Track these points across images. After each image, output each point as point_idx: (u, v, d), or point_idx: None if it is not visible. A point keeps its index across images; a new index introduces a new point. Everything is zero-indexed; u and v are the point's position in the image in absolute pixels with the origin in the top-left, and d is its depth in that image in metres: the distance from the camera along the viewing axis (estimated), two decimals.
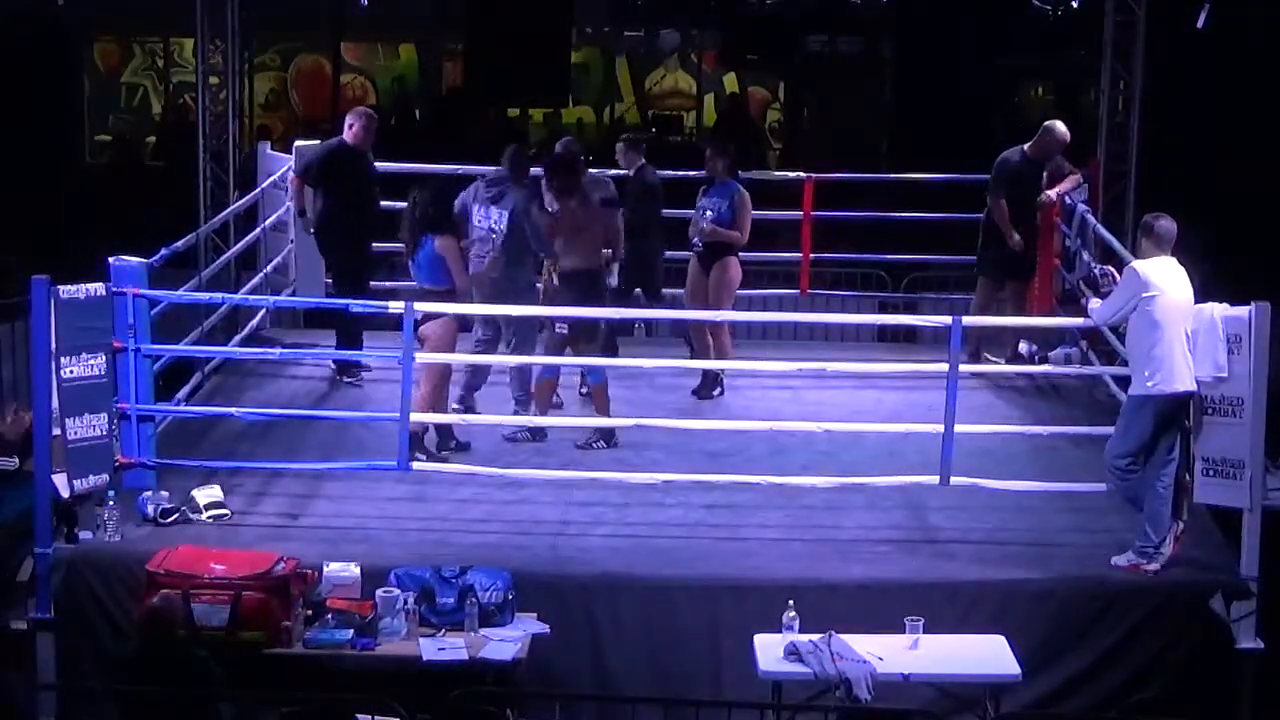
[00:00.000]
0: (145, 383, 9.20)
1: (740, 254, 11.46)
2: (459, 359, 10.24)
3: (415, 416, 9.40)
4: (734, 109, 21.74)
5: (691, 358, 11.61)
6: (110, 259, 9.20)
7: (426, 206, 10.07)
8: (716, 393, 11.43)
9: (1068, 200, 12.06)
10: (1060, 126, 11.99)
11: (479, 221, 10.67)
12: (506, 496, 9.55)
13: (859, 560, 8.85)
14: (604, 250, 10.82)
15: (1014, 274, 11.94)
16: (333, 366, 11.65)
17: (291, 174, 11.98)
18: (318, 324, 12.62)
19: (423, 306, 9.53)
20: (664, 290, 11.91)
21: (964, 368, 9.30)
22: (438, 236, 9.96)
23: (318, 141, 12.34)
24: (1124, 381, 9.27)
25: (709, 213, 11.30)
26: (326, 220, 11.54)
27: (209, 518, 9.15)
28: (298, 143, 12.75)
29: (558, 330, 10.09)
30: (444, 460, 9.92)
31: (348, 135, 11.62)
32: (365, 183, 11.63)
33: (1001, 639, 8.05)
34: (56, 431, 8.67)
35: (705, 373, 11.38)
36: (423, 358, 9.61)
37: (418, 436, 9.81)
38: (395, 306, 9.30)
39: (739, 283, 11.43)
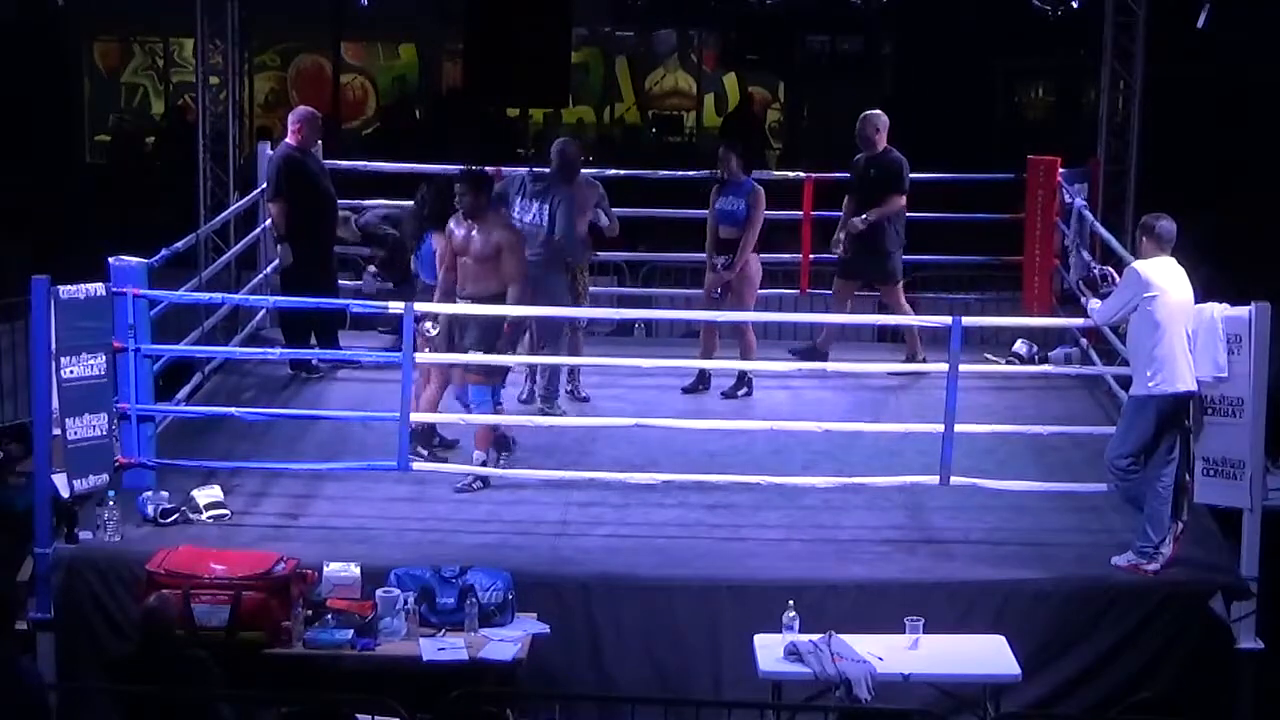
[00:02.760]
0: (145, 383, 9.20)
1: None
2: (458, 359, 10.22)
3: (415, 416, 9.39)
4: (741, 111, 21.69)
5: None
6: (110, 259, 9.20)
7: (433, 204, 10.07)
8: (742, 392, 11.42)
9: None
10: (868, 113, 12.02)
11: (518, 215, 10.59)
12: (506, 496, 9.55)
13: (859, 560, 8.85)
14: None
15: (857, 274, 11.97)
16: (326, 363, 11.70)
17: (271, 204, 11.71)
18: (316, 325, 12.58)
19: (421, 306, 9.55)
20: (680, 292, 11.90)
21: (964, 367, 9.29)
22: (436, 234, 9.97)
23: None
24: (1125, 381, 9.27)
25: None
26: (289, 227, 11.57)
27: (209, 518, 9.14)
28: (266, 149, 12.57)
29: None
30: (443, 460, 9.92)
31: (293, 138, 11.64)
32: (317, 183, 11.69)
33: (1001, 639, 8.05)
34: (56, 431, 8.68)
35: (704, 372, 11.39)
36: (422, 358, 9.59)
37: (423, 434, 9.86)
38: (395, 307, 9.30)
39: (759, 280, 11.40)
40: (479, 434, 9.76)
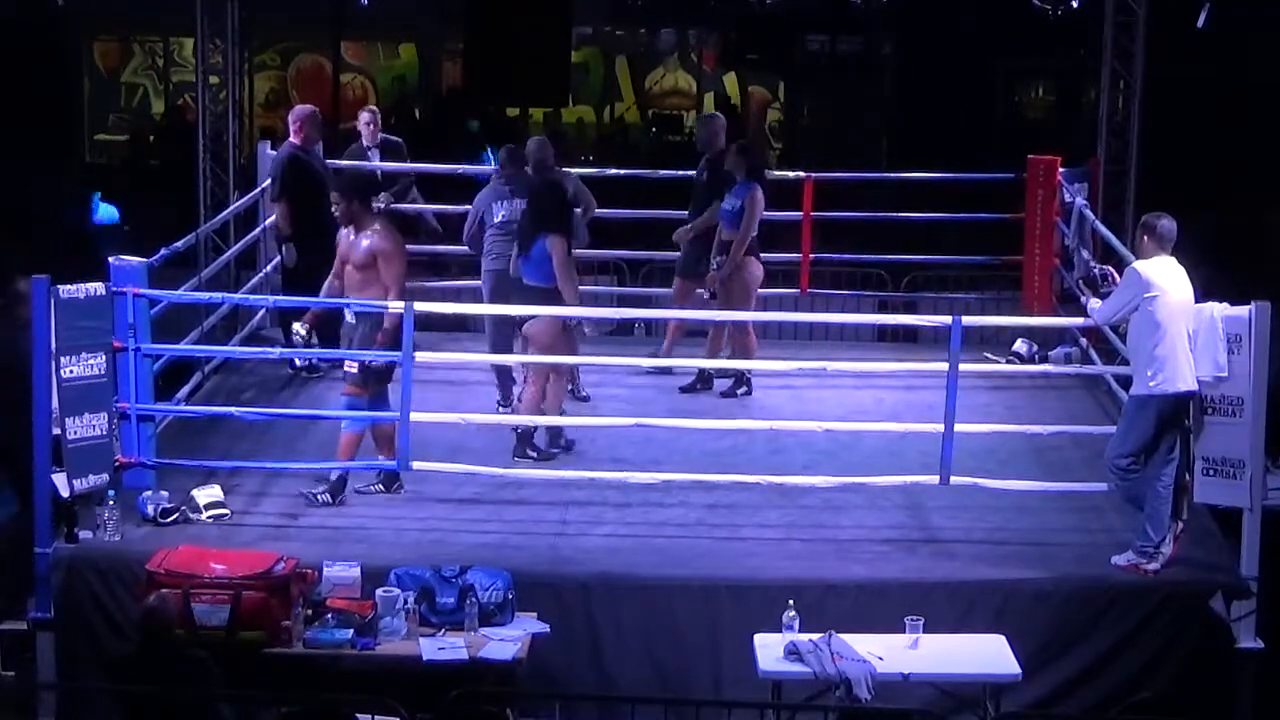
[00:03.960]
0: (145, 383, 9.20)
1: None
2: (466, 358, 10.25)
3: (415, 416, 9.36)
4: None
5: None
6: (110, 259, 9.21)
7: (545, 204, 10.14)
8: (742, 391, 11.44)
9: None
10: (708, 114, 12.00)
11: (501, 214, 10.72)
12: (506, 496, 9.55)
13: (859, 560, 8.85)
14: None
15: (693, 274, 11.72)
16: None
17: (277, 203, 11.71)
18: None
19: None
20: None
21: (964, 367, 9.29)
22: (549, 236, 9.99)
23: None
24: (1125, 381, 9.28)
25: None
26: (293, 226, 11.56)
27: (209, 518, 9.15)
28: (267, 149, 12.65)
29: (346, 369, 9.58)
30: (551, 457, 10.00)
31: (295, 137, 11.67)
32: (320, 181, 11.67)
33: (1001, 639, 8.05)
34: (56, 431, 8.68)
35: (703, 371, 11.41)
36: (422, 357, 9.56)
37: (528, 434, 9.97)
38: (395, 306, 9.29)
39: (759, 282, 11.41)
40: (342, 444, 9.53)
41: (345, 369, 9.55)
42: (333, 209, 9.71)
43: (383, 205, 12.55)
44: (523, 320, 10.06)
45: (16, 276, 9.64)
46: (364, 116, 13.03)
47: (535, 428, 10.05)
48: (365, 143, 12.87)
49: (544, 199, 10.24)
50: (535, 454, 10.01)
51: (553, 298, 9.93)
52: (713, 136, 11.73)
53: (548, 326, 9.94)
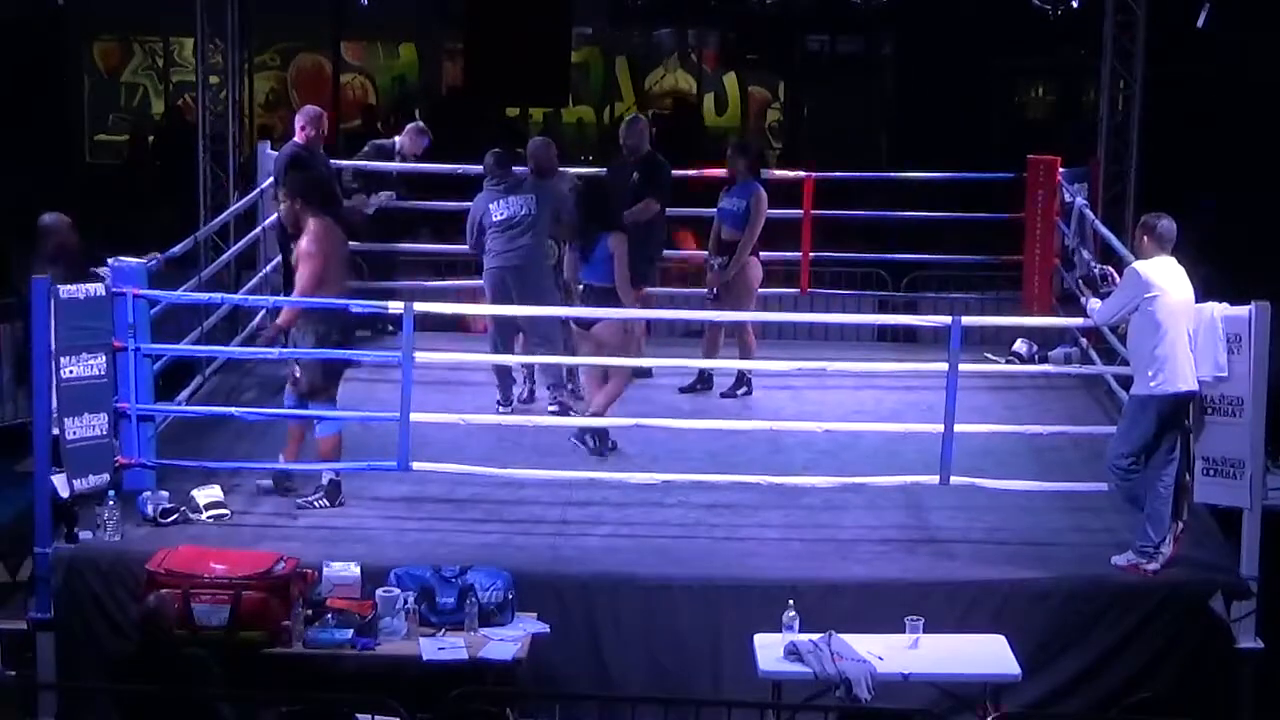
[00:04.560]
0: (145, 383, 9.21)
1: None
2: (472, 358, 10.23)
3: (415, 416, 9.36)
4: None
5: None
6: (110, 260, 9.21)
7: (598, 203, 10.16)
8: (742, 392, 11.44)
9: None
10: (635, 116, 12.22)
11: (501, 214, 10.75)
12: (506, 496, 9.55)
13: (859, 560, 8.86)
14: None
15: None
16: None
17: (283, 202, 11.73)
18: None
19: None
20: (680, 291, 11.94)
21: (964, 367, 9.29)
22: (610, 234, 10.00)
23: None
24: (1125, 381, 9.28)
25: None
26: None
27: (209, 518, 9.15)
28: (267, 149, 12.70)
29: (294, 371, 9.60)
30: (603, 456, 10.02)
31: (300, 136, 11.68)
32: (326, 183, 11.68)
33: (1001, 639, 8.05)
34: (55, 431, 8.68)
35: (703, 371, 11.41)
36: (422, 357, 9.55)
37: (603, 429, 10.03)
38: (395, 306, 9.29)
39: (759, 282, 11.43)
40: (321, 451, 9.51)
41: (291, 371, 9.53)
42: (280, 206, 9.69)
43: (381, 203, 12.62)
44: (587, 323, 10.06)
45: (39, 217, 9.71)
46: (413, 133, 13.00)
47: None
48: (398, 145, 12.89)
49: (593, 197, 10.25)
50: (592, 444, 10.03)
51: (617, 297, 9.95)
52: (639, 139, 11.69)
53: (617, 326, 9.93)
